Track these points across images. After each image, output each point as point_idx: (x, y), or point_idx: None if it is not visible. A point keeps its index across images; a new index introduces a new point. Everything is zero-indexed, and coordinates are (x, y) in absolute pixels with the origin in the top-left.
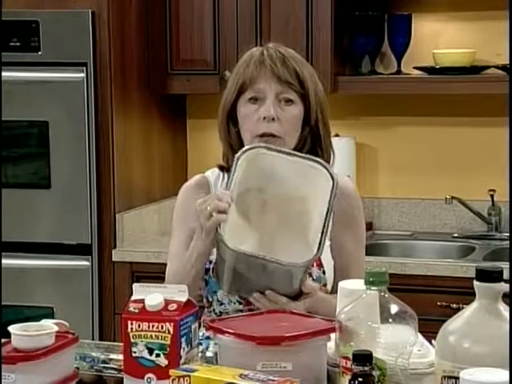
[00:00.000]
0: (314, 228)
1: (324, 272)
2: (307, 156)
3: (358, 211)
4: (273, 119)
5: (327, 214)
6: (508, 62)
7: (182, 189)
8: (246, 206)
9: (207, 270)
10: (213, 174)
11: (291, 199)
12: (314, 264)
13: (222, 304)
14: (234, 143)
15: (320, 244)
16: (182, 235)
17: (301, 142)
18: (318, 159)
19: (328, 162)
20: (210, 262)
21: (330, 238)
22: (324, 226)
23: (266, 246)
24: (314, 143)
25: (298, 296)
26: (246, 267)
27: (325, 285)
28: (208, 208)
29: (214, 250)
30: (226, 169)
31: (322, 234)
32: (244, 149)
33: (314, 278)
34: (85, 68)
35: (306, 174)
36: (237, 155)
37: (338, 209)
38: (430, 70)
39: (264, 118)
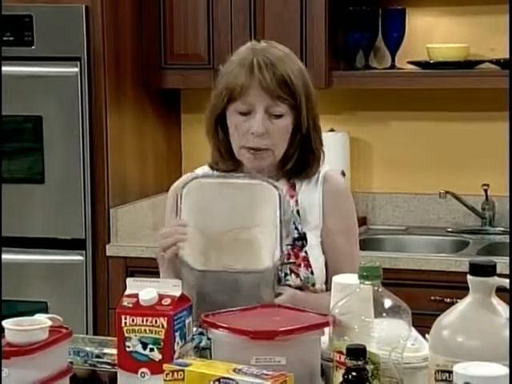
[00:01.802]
0: (267, 240)
1: (312, 272)
2: (247, 175)
3: (349, 207)
4: (262, 134)
5: (280, 221)
6: (502, 57)
7: (171, 189)
8: (203, 229)
9: None
10: (202, 171)
11: (239, 224)
12: (302, 264)
13: None
14: (222, 148)
15: (281, 248)
16: None
17: (291, 150)
18: (258, 176)
19: (318, 164)
20: None
21: (321, 235)
22: (281, 232)
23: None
24: (303, 149)
25: None
26: (213, 287)
27: (313, 284)
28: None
29: None
30: (215, 169)
31: (280, 240)
32: (183, 183)
33: (302, 278)
34: (78, 62)
35: (250, 194)
36: (178, 192)
37: (329, 205)
38: (424, 65)
39: (252, 133)
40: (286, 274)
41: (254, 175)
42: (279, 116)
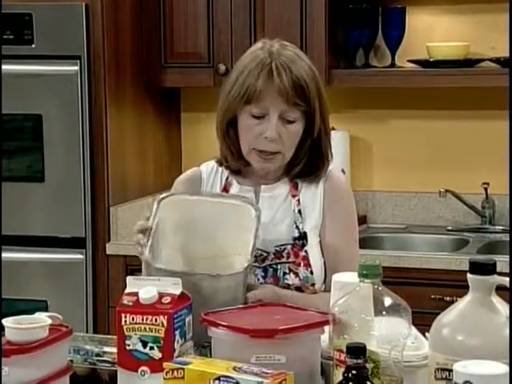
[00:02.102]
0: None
1: (312, 272)
2: (229, 195)
3: (349, 206)
4: (275, 139)
5: (256, 231)
6: (502, 55)
7: (175, 182)
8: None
9: None
10: (207, 167)
11: (219, 250)
12: (302, 264)
13: None
14: (233, 148)
15: (252, 253)
16: None
17: (301, 153)
18: (240, 196)
19: (327, 167)
20: None
21: (320, 234)
22: (254, 241)
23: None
24: (313, 152)
25: None
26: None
27: (312, 284)
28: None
29: None
30: (224, 166)
31: (253, 246)
32: (165, 195)
33: (301, 277)
34: (78, 61)
35: (229, 213)
36: (157, 199)
37: (329, 203)
38: (424, 63)
39: (265, 137)
40: (284, 273)
41: (236, 195)
42: (292, 121)
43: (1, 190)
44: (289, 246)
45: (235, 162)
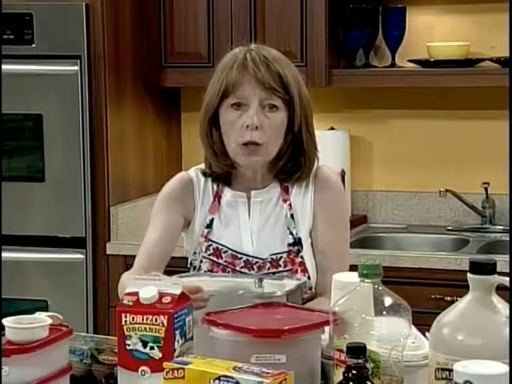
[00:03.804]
0: None
1: (309, 277)
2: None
3: (340, 204)
4: (256, 127)
5: None
6: (502, 55)
7: (166, 192)
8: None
9: None
10: (196, 172)
11: None
12: (298, 270)
13: None
14: (217, 148)
15: None
16: (157, 225)
17: (283, 150)
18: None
19: (310, 166)
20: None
21: (311, 234)
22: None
23: None
24: (295, 150)
25: None
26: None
27: (310, 288)
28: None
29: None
30: (208, 174)
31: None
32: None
33: None
34: (79, 61)
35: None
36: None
37: (318, 201)
38: (424, 63)
39: (247, 126)
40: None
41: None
42: (274, 109)
43: (1, 189)
44: (285, 255)
45: (219, 165)
